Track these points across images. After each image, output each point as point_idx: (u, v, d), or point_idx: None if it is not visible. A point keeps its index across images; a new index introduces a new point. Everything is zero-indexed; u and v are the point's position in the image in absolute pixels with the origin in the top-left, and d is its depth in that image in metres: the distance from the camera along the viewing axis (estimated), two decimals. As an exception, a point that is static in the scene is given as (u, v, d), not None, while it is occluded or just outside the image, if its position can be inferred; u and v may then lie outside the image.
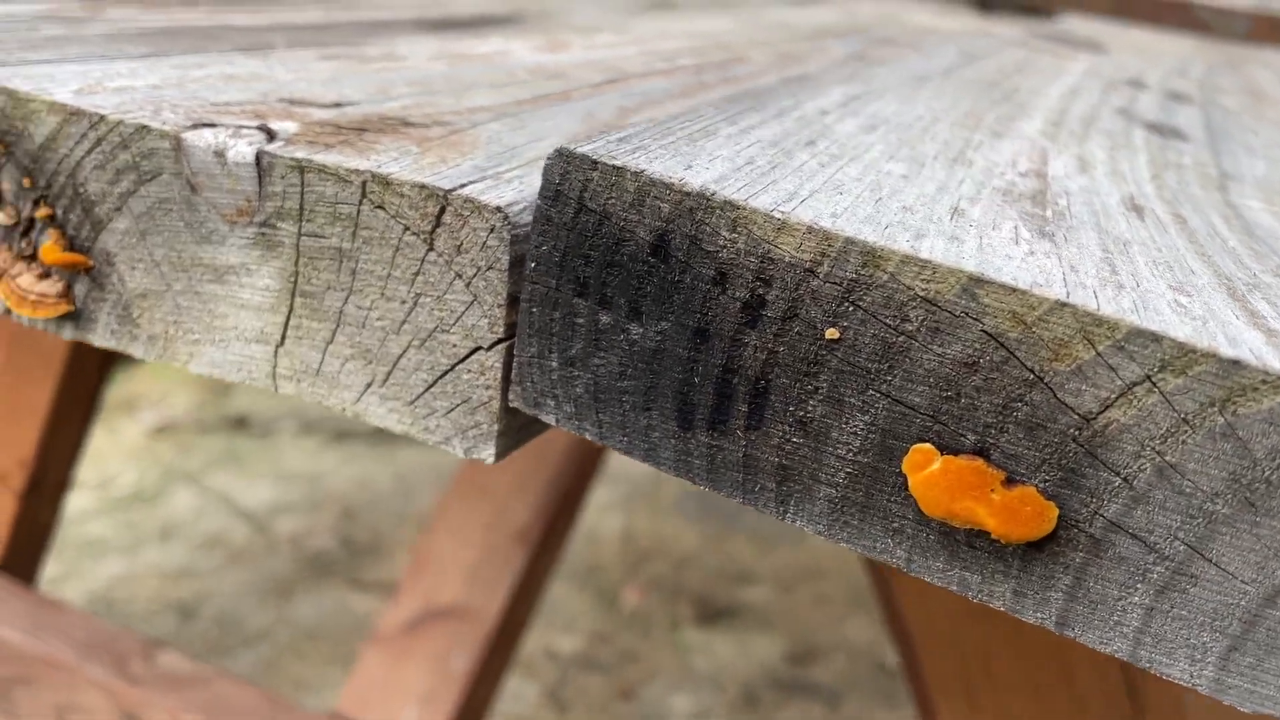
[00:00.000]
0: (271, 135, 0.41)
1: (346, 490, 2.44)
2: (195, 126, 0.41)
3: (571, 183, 0.34)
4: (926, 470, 0.30)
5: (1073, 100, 0.64)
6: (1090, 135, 0.53)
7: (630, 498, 2.47)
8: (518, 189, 0.37)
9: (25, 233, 0.45)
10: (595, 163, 0.33)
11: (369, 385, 0.39)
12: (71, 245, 0.44)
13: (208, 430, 2.64)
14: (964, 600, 0.94)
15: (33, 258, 0.45)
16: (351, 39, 0.66)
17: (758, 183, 0.34)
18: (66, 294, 0.45)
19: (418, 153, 0.40)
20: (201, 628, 1.92)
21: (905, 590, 0.95)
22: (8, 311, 0.46)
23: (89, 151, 0.42)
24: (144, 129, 0.40)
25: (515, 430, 0.39)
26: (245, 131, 0.41)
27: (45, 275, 0.45)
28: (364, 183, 0.37)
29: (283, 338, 0.41)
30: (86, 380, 1.37)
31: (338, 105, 0.47)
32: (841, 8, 1.32)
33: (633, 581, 2.22)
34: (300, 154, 0.38)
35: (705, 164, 0.35)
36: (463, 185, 0.36)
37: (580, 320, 0.35)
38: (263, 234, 0.40)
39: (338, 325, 0.39)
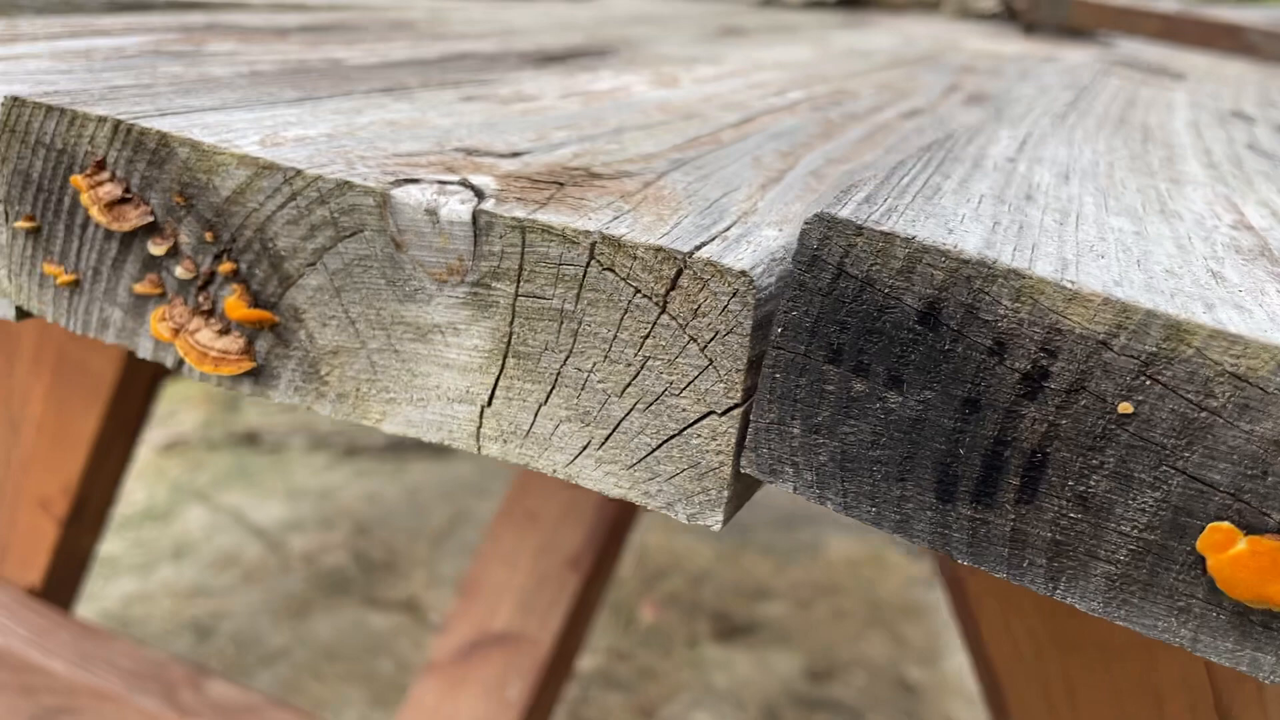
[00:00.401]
0: (478, 191, 0.40)
1: (358, 506, 2.42)
2: (399, 183, 0.40)
3: (831, 248, 0.33)
4: (1231, 551, 0.29)
5: (1202, 137, 0.64)
6: (1251, 178, 0.53)
7: (642, 512, 2.46)
8: (752, 251, 0.36)
9: (203, 287, 0.44)
10: (860, 228, 0.32)
11: (585, 448, 0.38)
12: (256, 300, 0.43)
13: (217, 447, 2.61)
14: (1049, 630, 0.94)
15: (210, 313, 0.44)
16: (474, 76, 0.65)
17: (1022, 246, 0.33)
18: (248, 350, 0.43)
19: (630, 210, 0.39)
20: (218, 647, 1.90)
21: (989, 618, 0.94)
22: (180, 364, 0.45)
23: (281, 206, 0.41)
24: (346, 185, 0.39)
25: (739, 495, 0.38)
26: (450, 188, 0.40)
27: (225, 331, 0.44)
28: (593, 244, 0.36)
29: (490, 398, 0.40)
30: (133, 408, 1.35)
31: (515, 155, 0.46)
32: (895, 31, 1.32)
33: (649, 598, 2.21)
34: (519, 213, 0.37)
35: (961, 226, 0.34)
36: (698, 247, 0.36)
37: (830, 387, 0.34)
38: (475, 294, 0.39)
39: (554, 387, 0.38)
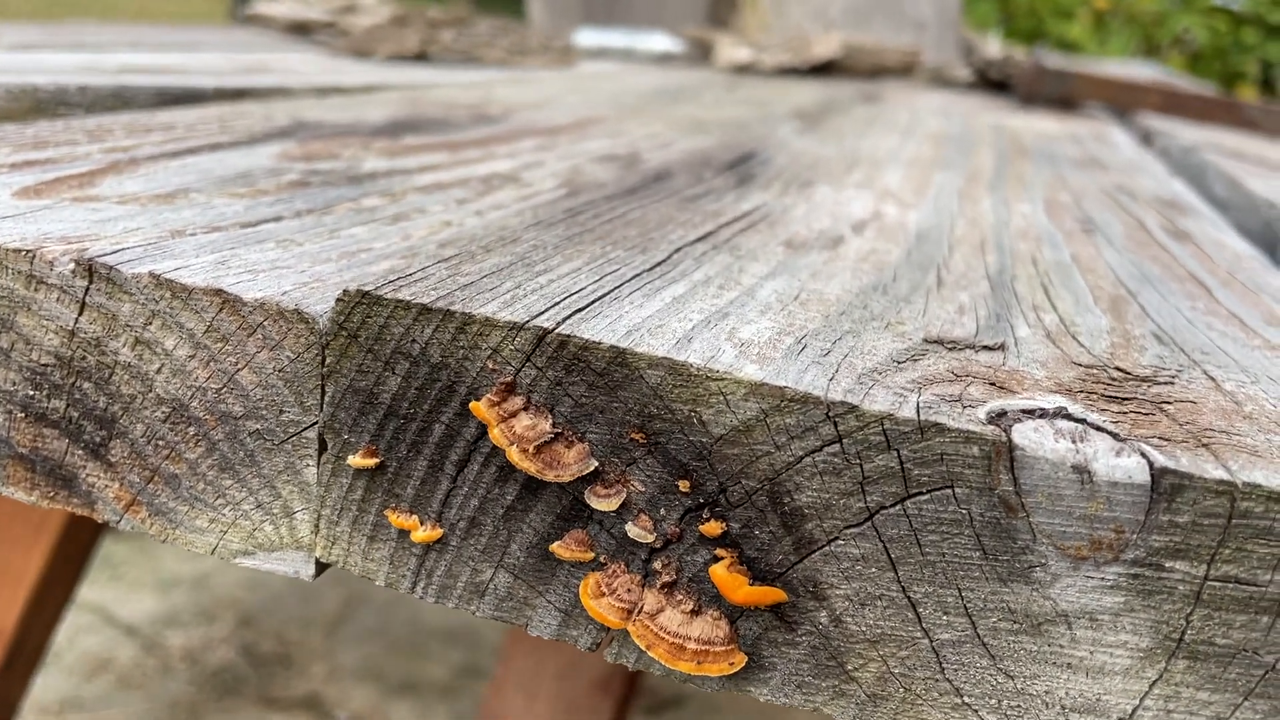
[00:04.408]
0: (1087, 425, 0.30)
1: (239, 595, 2.20)
2: (1002, 421, 0.29)
3: None
4: None
5: None
6: None
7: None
8: None
9: (659, 550, 0.32)
10: None
11: (1290, 776, 0.29)
12: (752, 572, 0.31)
13: (84, 538, 2.35)
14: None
15: (671, 586, 0.32)
16: (718, 204, 0.54)
17: None
18: (734, 637, 0.32)
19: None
20: (98, 769, 1.67)
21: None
22: (595, 644, 0.33)
23: (813, 451, 0.30)
24: (934, 427, 0.29)
25: None
26: (1064, 424, 0.30)
27: (696, 611, 0.32)
28: (1351, 518, 0.27)
29: (1135, 710, 0.30)
30: (81, 545, 1.16)
31: (998, 346, 0.36)
32: (919, 108, 1.27)
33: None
34: (1215, 472, 0.28)
35: None
36: None
37: None
38: (1135, 575, 0.29)
39: (1247, 697, 0.29)
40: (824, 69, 1.76)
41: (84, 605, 2.08)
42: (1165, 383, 0.34)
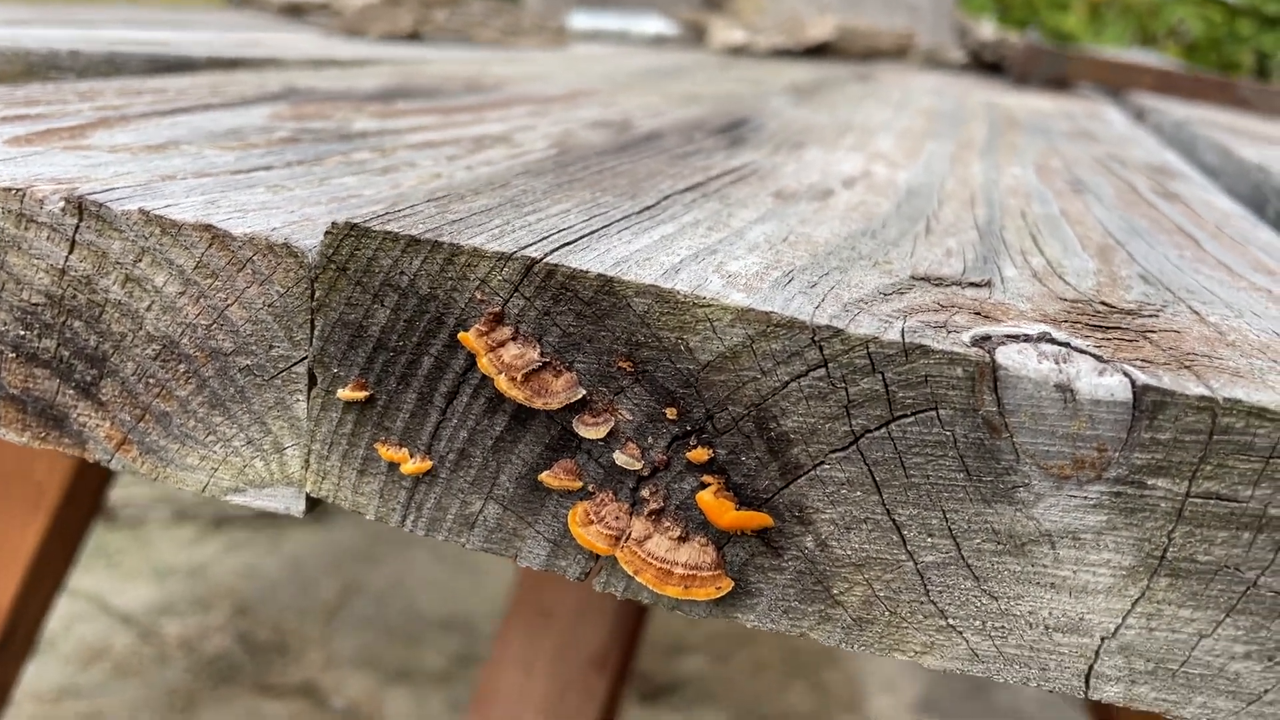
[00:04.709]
0: (1071, 349, 0.30)
1: (236, 583, 2.20)
2: (988, 344, 0.30)
3: None
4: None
5: None
6: None
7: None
8: None
9: (647, 478, 0.32)
10: None
11: (1267, 692, 0.29)
12: (739, 497, 0.32)
13: (76, 527, 2.33)
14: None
15: (659, 513, 0.32)
16: (708, 161, 0.55)
17: None
18: (721, 562, 0.32)
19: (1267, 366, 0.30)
20: (97, 755, 1.66)
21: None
22: (584, 573, 0.33)
23: (799, 376, 0.30)
24: (918, 350, 0.29)
25: None
26: (1048, 348, 0.30)
27: (684, 538, 0.32)
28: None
29: (1118, 628, 0.30)
30: (79, 519, 1.16)
31: (984, 283, 0.37)
32: (913, 87, 1.27)
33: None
34: (1195, 388, 0.28)
35: None
36: None
37: None
38: (1117, 494, 0.29)
39: (1228, 614, 0.29)
40: (818, 51, 1.77)
41: (80, 594, 2.08)
42: (1150, 315, 0.35)
